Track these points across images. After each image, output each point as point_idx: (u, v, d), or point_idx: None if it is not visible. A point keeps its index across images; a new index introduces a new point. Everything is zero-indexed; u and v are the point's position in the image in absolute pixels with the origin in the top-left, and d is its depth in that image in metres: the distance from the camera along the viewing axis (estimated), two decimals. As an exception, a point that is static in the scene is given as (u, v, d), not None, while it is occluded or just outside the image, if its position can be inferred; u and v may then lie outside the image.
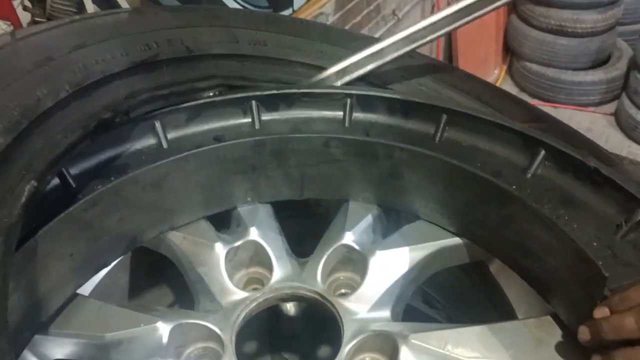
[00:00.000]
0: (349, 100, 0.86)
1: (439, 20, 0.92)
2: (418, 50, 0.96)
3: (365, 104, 0.86)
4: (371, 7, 2.44)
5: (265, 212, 0.90)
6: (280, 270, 0.85)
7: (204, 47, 0.81)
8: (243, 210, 0.89)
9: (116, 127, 0.71)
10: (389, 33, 1.61)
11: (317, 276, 0.84)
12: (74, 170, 0.73)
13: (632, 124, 2.94)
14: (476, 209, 0.78)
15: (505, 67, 3.49)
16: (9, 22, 1.21)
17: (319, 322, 0.99)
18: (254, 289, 0.85)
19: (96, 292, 0.87)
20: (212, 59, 0.81)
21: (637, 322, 0.54)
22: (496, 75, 3.45)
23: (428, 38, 0.93)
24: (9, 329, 0.52)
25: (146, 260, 0.97)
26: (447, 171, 0.78)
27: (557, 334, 0.69)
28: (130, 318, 0.75)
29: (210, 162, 0.82)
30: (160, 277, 1.02)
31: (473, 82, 0.98)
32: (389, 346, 0.74)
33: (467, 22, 0.93)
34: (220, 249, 0.84)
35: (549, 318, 0.71)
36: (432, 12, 3.02)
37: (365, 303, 0.80)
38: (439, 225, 0.85)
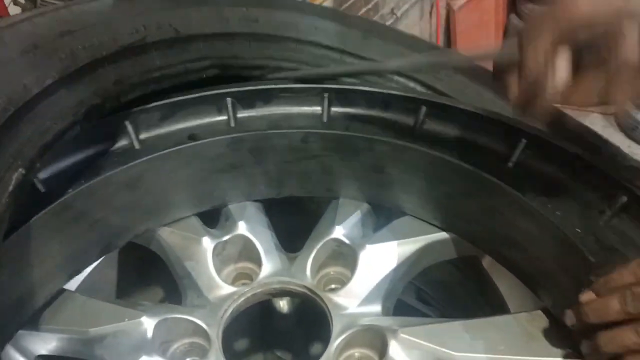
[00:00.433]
0: (327, 96, 0.84)
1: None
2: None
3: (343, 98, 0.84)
4: (369, 6, 2.44)
5: (254, 206, 0.89)
6: (269, 265, 0.84)
7: (194, 28, 0.79)
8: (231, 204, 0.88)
9: (107, 113, 0.69)
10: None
11: (307, 271, 0.82)
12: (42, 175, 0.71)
13: (632, 123, 2.91)
14: (458, 201, 0.77)
15: (504, 67, 3.48)
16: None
17: (308, 317, 0.98)
18: (243, 284, 0.84)
19: (82, 289, 0.86)
20: (203, 40, 0.80)
21: (621, 304, 0.53)
22: (496, 75, 3.43)
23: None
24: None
25: (135, 256, 0.96)
26: (426, 163, 0.77)
27: (548, 328, 0.67)
28: (115, 313, 0.74)
29: (185, 162, 0.80)
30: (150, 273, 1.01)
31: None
32: (378, 341, 0.72)
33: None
34: (207, 243, 0.83)
35: (540, 312, 0.70)
36: (431, 12, 3.01)
37: (355, 298, 0.79)
38: (423, 220, 0.84)
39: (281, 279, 0.82)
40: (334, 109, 0.84)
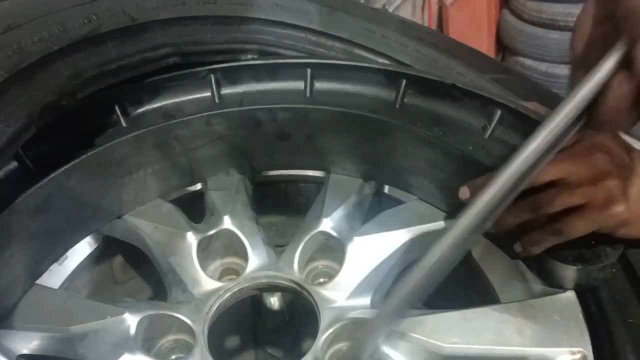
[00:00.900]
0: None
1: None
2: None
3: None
4: (361, 0, 2.42)
5: (240, 200, 0.87)
6: (256, 260, 0.82)
7: (149, 14, 0.75)
8: (216, 198, 0.86)
9: (63, 111, 0.66)
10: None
11: (294, 265, 0.81)
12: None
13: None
14: (366, 147, 0.85)
15: (498, 63, 3.47)
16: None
17: (296, 311, 0.97)
18: (230, 280, 0.82)
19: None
20: (159, 26, 0.76)
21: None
22: (489, 70, 3.43)
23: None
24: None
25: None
26: (327, 118, 0.84)
27: (539, 318, 0.66)
28: (96, 310, 0.72)
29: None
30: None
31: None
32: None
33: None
34: (192, 238, 0.81)
35: (531, 301, 0.68)
36: (423, 8, 3.00)
37: (343, 291, 0.77)
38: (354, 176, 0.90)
39: (268, 273, 0.81)
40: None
